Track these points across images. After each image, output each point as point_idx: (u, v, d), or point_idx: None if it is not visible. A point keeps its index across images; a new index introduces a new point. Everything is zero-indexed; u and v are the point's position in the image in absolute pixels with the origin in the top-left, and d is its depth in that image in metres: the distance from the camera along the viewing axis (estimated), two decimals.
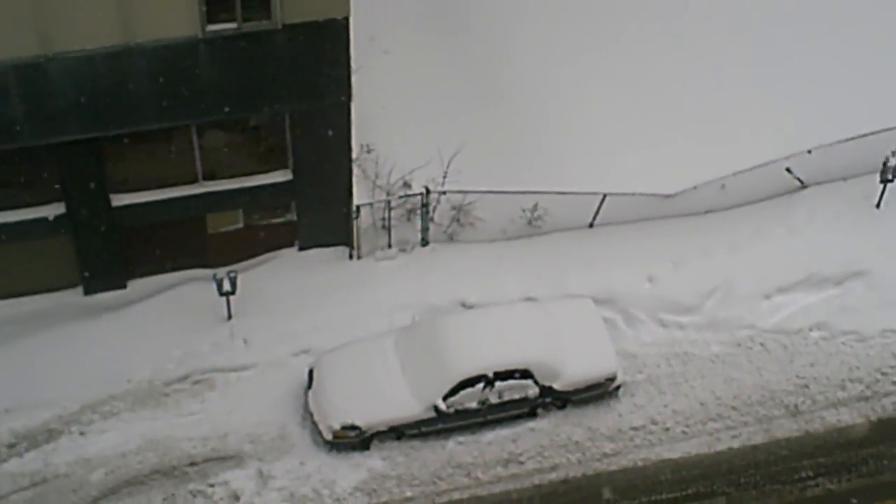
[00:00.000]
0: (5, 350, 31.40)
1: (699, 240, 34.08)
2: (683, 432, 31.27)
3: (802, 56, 37.97)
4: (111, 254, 32.30)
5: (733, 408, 31.67)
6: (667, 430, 31.30)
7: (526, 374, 30.54)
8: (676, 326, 32.91)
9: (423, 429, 30.60)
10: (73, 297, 32.84)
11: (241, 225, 33.07)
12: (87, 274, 32.56)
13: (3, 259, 31.80)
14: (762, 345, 32.72)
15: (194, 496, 29.84)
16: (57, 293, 32.83)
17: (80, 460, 30.18)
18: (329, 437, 30.26)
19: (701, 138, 35.44)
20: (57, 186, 30.84)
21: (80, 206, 31.14)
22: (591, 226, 34.33)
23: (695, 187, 34.03)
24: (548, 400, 31.11)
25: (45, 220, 31.19)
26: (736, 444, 31.12)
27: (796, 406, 31.76)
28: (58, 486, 29.84)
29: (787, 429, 31.42)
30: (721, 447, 31.09)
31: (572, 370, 30.92)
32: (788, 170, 34.62)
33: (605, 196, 33.58)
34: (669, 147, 35.23)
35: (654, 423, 31.37)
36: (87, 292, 32.88)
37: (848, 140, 34.41)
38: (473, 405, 30.48)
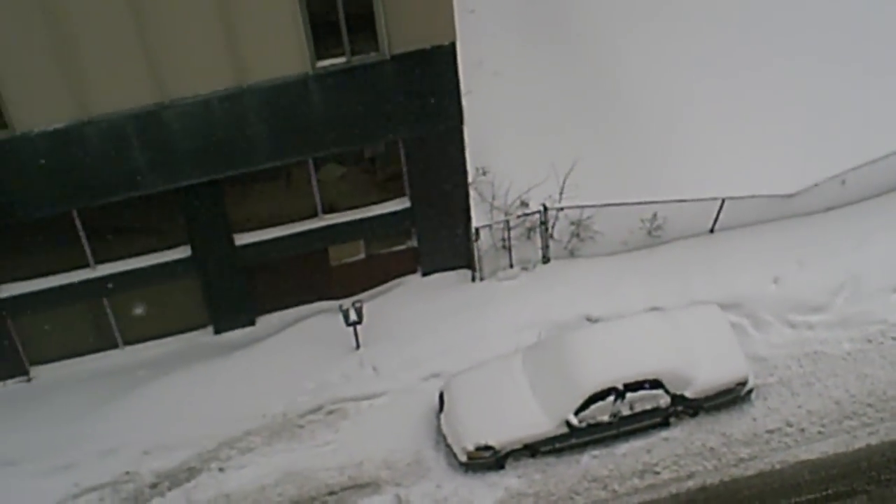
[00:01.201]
0: (141, 393, 32.05)
1: (823, 238, 33.73)
2: (820, 432, 30.90)
3: None
4: (238, 292, 32.86)
5: (869, 405, 31.22)
6: (802, 431, 30.95)
7: (656, 383, 30.45)
8: (805, 326, 32.56)
9: (557, 445, 30.61)
10: (204, 336, 33.49)
11: (363, 255, 33.41)
12: (215, 313, 33.17)
13: (134, 304, 32.53)
14: (894, 339, 32.21)
15: None
16: (188, 334, 33.49)
17: (220, 496, 30.64)
18: (464, 458, 30.39)
19: (818, 134, 35.07)
20: (181, 230, 31.44)
21: (205, 248, 31.71)
22: (711, 231, 34.16)
23: (815, 185, 33.73)
24: (680, 408, 30.97)
25: (172, 263, 31.81)
26: (874, 440, 30.64)
27: None
28: None
29: None
30: (859, 445, 30.64)
31: (703, 377, 30.74)
32: None
33: (723, 200, 33.40)
34: (786, 146, 34.91)
35: (790, 424, 31.04)
36: (217, 331, 33.48)
37: None
38: (605, 418, 30.42)
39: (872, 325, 32.50)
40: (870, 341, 32.27)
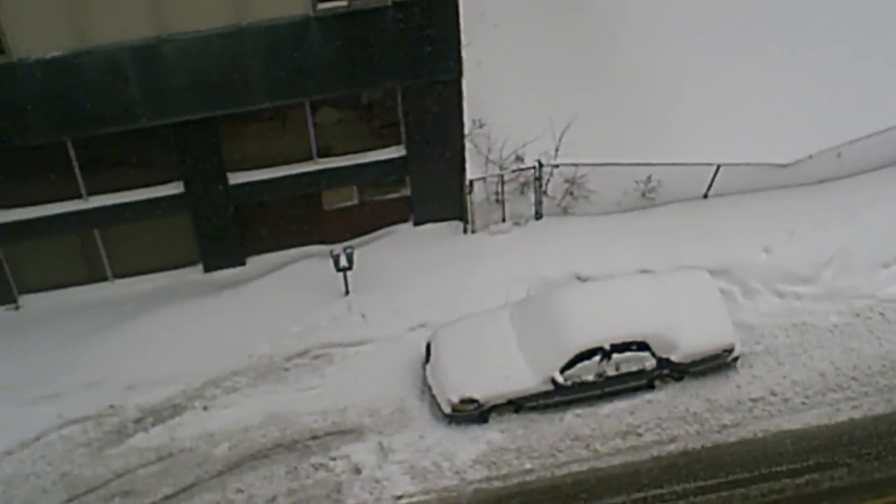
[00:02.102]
0: (128, 327, 31.99)
1: (815, 209, 33.76)
2: (803, 403, 30.98)
3: None
4: (229, 231, 32.73)
5: (853, 378, 31.31)
6: (786, 401, 31.03)
7: (643, 346, 30.48)
8: (794, 297, 32.62)
9: (541, 401, 30.66)
10: (193, 274, 33.41)
11: (356, 201, 33.33)
12: (206, 252, 33.04)
13: (124, 238, 32.38)
14: (881, 314, 32.32)
15: (316, 469, 30.13)
16: (177, 271, 33.40)
17: (204, 435, 30.65)
18: (448, 410, 30.42)
19: (815, 106, 35.05)
20: (175, 166, 31.26)
21: (198, 185, 31.59)
22: (705, 197, 34.15)
23: (810, 156, 33.72)
24: (665, 372, 31.01)
25: (164, 198, 31.65)
26: (857, 414, 30.75)
27: None
28: (183, 460, 30.30)
29: None
30: (842, 418, 30.74)
31: (689, 342, 30.78)
32: None
33: (718, 167, 33.37)
34: (783, 116, 34.91)
35: (774, 394, 31.13)
36: (206, 270, 33.40)
37: None
38: (590, 378, 30.46)
39: (860, 299, 32.59)
40: (857, 315, 32.36)
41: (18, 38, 27.96)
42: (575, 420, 30.83)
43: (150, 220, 31.93)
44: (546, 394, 30.53)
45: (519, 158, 33.90)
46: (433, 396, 30.78)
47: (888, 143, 34.08)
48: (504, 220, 33.86)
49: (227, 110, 30.25)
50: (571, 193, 33.83)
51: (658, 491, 29.86)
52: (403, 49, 30.20)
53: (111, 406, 30.95)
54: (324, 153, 32.07)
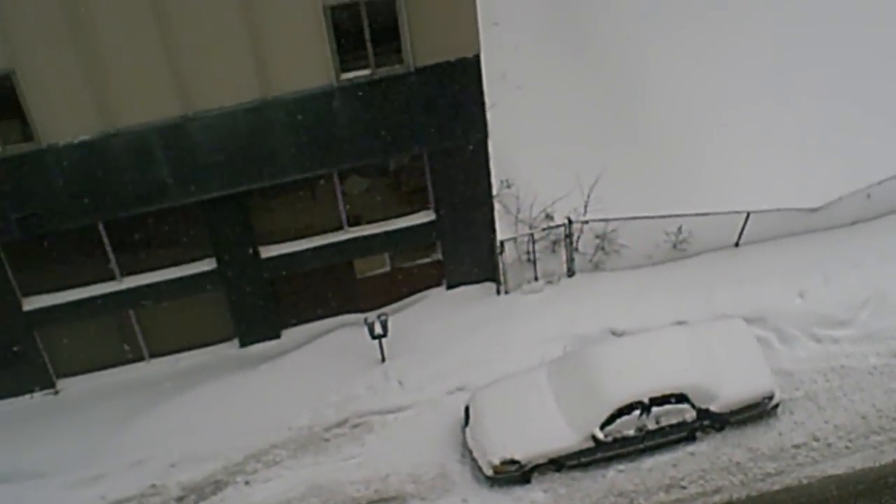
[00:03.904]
0: (167, 406, 32.09)
1: (848, 251, 33.63)
2: (846, 447, 30.79)
3: None
4: (263, 305, 32.87)
5: (895, 419, 31.20)
6: (829, 445, 30.85)
7: (682, 398, 30.37)
8: (831, 341, 32.46)
9: (583, 459, 30.56)
10: (230, 349, 33.53)
11: (388, 268, 33.42)
12: (241, 326, 33.18)
13: (159, 317, 32.54)
14: None
15: None
16: (213, 347, 33.53)
17: None
18: (489, 472, 30.34)
19: (843, 148, 34.94)
20: (207, 242, 31.45)
21: (230, 260, 31.74)
22: (737, 245, 34.09)
23: (839, 199, 33.65)
24: (706, 423, 30.88)
25: (197, 275, 31.84)
26: None
27: None
28: None
29: None
30: (886, 460, 30.53)
31: (728, 391, 30.67)
32: None
33: (748, 214, 33.34)
34: (811, 160, 34.80)
35: (816, 439, 30.95)
36: (242, 344, 33.49)
37: None
38: (631, 432, 30.36)
39: None
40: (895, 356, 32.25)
41: (47, 124, 28.26)
42: (618, 476, 30.71)
43: (183, 297, 32.09)
44: (587, 451, 30.41)
45: (548, 216, 33.96)
46: (474, 459, 30.68)
47: None
48: (536, 278, 33.88)
49: (255, 184, 30.42)
50: (602, 249, 33.84)
51: None
52: (428, 114, 30.35)
53: (153, 485, 30.98)
54: (354, 222, 32.18)
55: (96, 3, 26.80)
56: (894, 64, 37.39)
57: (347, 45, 28.86)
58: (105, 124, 28.60)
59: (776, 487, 30.35)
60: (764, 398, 30.93)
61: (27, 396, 32.95)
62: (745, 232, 33.79)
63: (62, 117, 28.28)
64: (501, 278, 33.62)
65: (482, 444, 30.45)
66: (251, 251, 31.74)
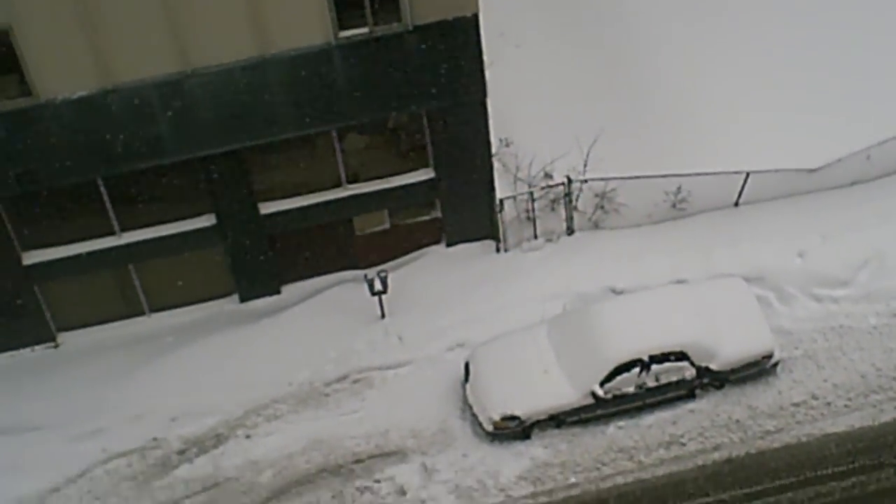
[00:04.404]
0: (168, 360, 32.14)
1: (847, 212, 33.67)
2: (846, 406, 30.85)
3: None
4: (263, 261, 32.85)
5: (895, 378, 31.17)
6: (828, 404, 30.91)
7: (681, 356, 30.40)
8: (830, 300, 32.50)
9: (583, 415, 30.62)
10: (230, 305, 33.56)
11: (387, 225, 33.40)
12: (241, 282, 33.17)
13: (159, 272, 32.55)
14: None
15: (361, 493, 30.17)
16: (213, 302, 33.53)
17: (248, 463, 30.72)
18: (490, 428, 30.39)
19: (843, 109, 34.89)
20: (206, 198, 31.43)
21: (230, 216, 31.73)
22: (736, 204, 34.10)
23: (839, 160, 33.65)
24: (705, 381, 30.94)
25: (197, 231, 31.81)
26: None
27: None
28: (229, 489, 30.40)
29: None
30: (886, 418, 30.58)
31: (728, 350, 30.71)
32: None
33: (748, 174, 33.33)
34: (811, 121, 34.73)
35: (815, 398, 31.01)
36: (242, 300, 33.50)
37: None
38: (631, 389, 30.40)
39: None
40: (895, 315, 32.17)
41: (45, 80, 28.22)
42: (617, 432, 30.78)
43: (183, 253, 32.10)
44: (587, 408, 30.47)
45: (548, 175, 33.91)
46: (474, 415, 30.75)
47: None
48: (536, 237, 33.88)
49: (253, 141, 30.42)
50: (602, 207, 33.81)
51: (704, 500, 29.80)
52: (427, 73, 30.32)
53: (155, 439, 31.04)
54: (353, 179, 32.17)
55: None
56: (894, 26, 37.37)
57: (346, 2, 28.81)
58: (103, 80, 28.56)
59: (775, 445, 30.41)
60: (763, 357, 30.97)
61: (28, 350, 32.98)
62: (744, 192, 33.79)
63: (60, 73, 28.23)
64: (501, 236, 33.61)
65: (482, 400, 30.49)
66: (251, 207, 31.73)
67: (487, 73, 31.07)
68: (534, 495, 29.98)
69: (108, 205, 30.91)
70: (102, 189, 30.56)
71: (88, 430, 31.02)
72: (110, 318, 33.07)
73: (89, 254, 31.42)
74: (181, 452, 30.88)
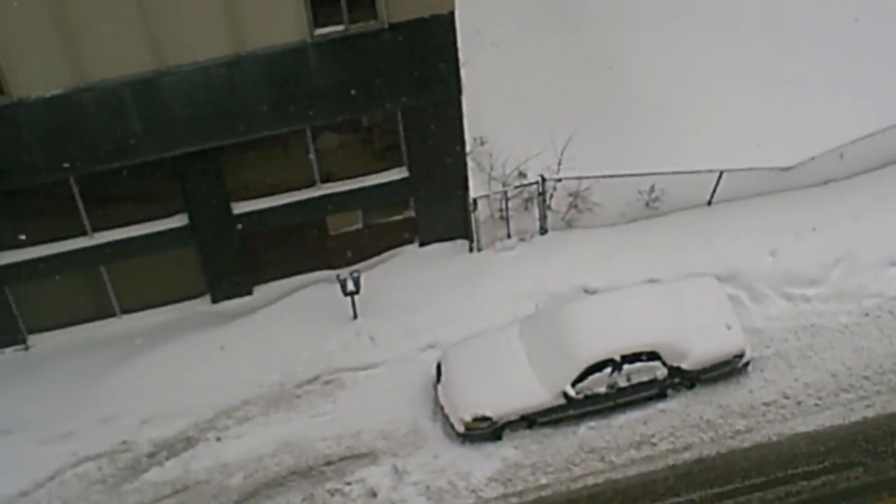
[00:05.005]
0: (138, 362, 32.00)
1: (820, 211, 33.71)
2: (816, 405, 30.96)
3: None
4: (236, 261, 32.79)
5: (865, 377, 31.28)
6: (799, 403, 31.00)
7: (653, 355, 30.46)
8: (802, 299, 32.58)
9: (554, 416, 30.66)
10: (202, 305, 33.42)
11: (360, 225, 33.35)
12: (213, 282, 33.10)
13: (130, 273, 32.43)
14: (890, 312, 32.25)
15: (332, 495, 30.16)
16: (185, 303, 33.41)
17: (218, 466, 30.68)
18: (461, 429, 30.42)
19: (816, 108, 34.98)
20: (179, 198, 31.34)
21: (203, 216, 31.63)
22: (709, 203, 34.14)
23: (812, 158, 33.68)
24: (677, 380, 31.00)
25: (169, 231, 31.70)
26: (870, 413, 30.72)
27: None
28: (199, 492, 30.36)
29: None
30: (856, 417, 30.71)
31: (699, 349, 30.76)
32: None
33: (721, 173, 33.37)
34: (784, 119, 34.87)
35: (786, 397, 31.11)
36: (214, 300, 33.41)
37: None
38: (602, 390, 30.45)
39: (869, 298, 32.54)
40: (866, 315, 32.32)
41: (18, 78, 28.03)
42: (589, 433, 30.84)
43: (155, 253, 31.98)
44: (559, 408, 30.51)
45: (522, 174, 33.90)
46: (446, 416, 30.77)
47: (890, 142, 33.99)
48: (509, 236, 33.89)
49: (228, 140, 30.31)
50: (575, 207, 33.84)
51: (675, 500, 29.89)
52: (402, 71, 30.26)
53: (125, 442, 30.98)
54: (326, 178, 32.11)
55: None
56: (866, 24, 37.43)
57: (321, 0, 28.71)
58: (77, 78, 28.39)
59: (746, 444, 30.51)
60: (735, 356, 31.04)
61: None
62: (717, 191, 33.82)
63: (33, 71, 28.03)
64: (474, 235, 33.59)
65: (454, 400, 30.52)
66: (223, 207, 31.62)
67: (463, 72, 30.99)
68: (504, 496, 30.02)
69: (81, 205, 30.77)
70: (75, 189, 30.43)
71: (58, 433, 30.92)
72: (81, 319, 32.92)
73: (61, 255, 31.28)
74: (151, 455, 30.83)
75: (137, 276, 32.53)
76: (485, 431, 30.47)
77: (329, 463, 30.62)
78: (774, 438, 30.55)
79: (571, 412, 30.69)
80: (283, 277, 33.58)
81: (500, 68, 36.84)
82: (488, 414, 30.27)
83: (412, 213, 33.50)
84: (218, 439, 31.04)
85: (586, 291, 32.68)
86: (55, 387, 31.63)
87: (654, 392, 31.04)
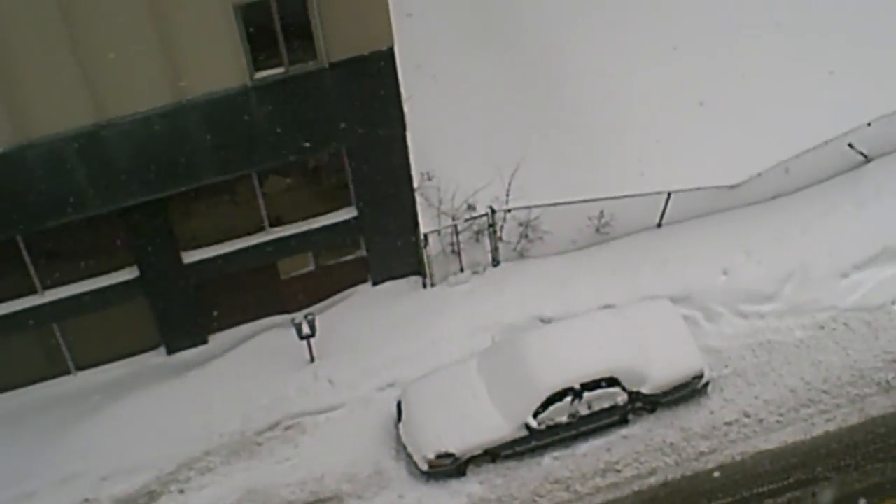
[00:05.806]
0: (96, 418, 31.66)
1: (769, 226, 33.82)
2: (778, 421, 31.02)
3: (849, 27, 37.68)
4: (188, 311, 32.57)
5: (824, 391, 31.38)
6: (760, 421, 31.06)
7: (613, 381, 30.44)
8: (757, 316, 32.67)
9: (517, 448, 30.56)
10: (157, 357, 33.13)
11: (312, 267, 33.21)
12: (167, 334, 32.84)
13: (83, 329, 32.12)
14: (845, 324, 32.40)
15: None
16: (140, 356, 33.13)
17: None
18: (425, 467, 30.29)
19: (759, 124, 35.20)
20: (128, 251, 31.09)
21: (153, 268, 31.39)
22: (659, 225, 34.21)
23: (758, 174, 33.83)
24: (638, 405, 30.99)
25: (120, 285, 31.45)
26: (832, 427, 30.81)
27: (888, 382, 31.41)
28: None
29: (881, 406, 31.08)
30: (817, 432, 30.79)
31: (658, 372, 30.79)
32: (850, 145, 34.30)
33: (669, 194, 33.46)
34: (728, 137, 35.04)
35: (747, 415, 31.15)
36: (169, 352, 33.15)
37: None
38: (564, 419, 30.39)
39: (823, 311, 32.66)
40: (821, 328, 32.44)
41: None
42: (553, 463, 30.75)
43: (108, 307, 31.72)
44: (521, 440, 30.42)
45: (471, 207, 33.88)
46: (409, 455, 30.61)
47: (834, 154, 34.18)
48: (462, 270, 33.82)
49: (174, 190, 30.10)
50: (526, 236, 33.82)
51: None
52: (345, 109, 30.19)
53: (86, 500, 30.62)
54: (275, 222, 31.94)
55: (2, 12, 26.38)
56: (808, 38, 37.64)
57: (259, 43, 28.61)
58: (18, 135, 28.15)
59: (710, 466, 30.50)
60: (694, 377, 31.07)
61: None
62: (666, 212, 33.90)
63: None
64: (427, 271, 33.53)
65: (416, 439, 30.39)
66: (173, 257, 31.42)
67: (406, 107, 30.96)
68: None
69: (29, 262, 30.48)
70: (22, 246, 30.15)
71: (18, 493, 30.50)
72: (35, 379, 32.58)
73: (11, 315, 30.98)
74: None
75: (91, 331, 32.22)
76: (449, 468, 30.33)
77: None
78: (738, 458, 30.56)
79: (534, 443, 30.61)
80: (237, 325, 33.38)
81: (442, 101, 36.81)
82: (451, 450, 30.15)
83: (363, 253, 33.38)
84: (181, 491, 30.75)
85: (542, 321, 32.63)
86: (12, 448, 31.22)
87: (615, 418, 30.98)
